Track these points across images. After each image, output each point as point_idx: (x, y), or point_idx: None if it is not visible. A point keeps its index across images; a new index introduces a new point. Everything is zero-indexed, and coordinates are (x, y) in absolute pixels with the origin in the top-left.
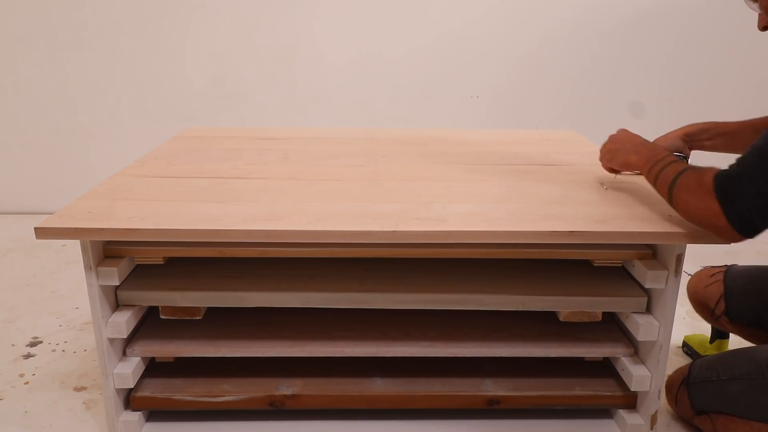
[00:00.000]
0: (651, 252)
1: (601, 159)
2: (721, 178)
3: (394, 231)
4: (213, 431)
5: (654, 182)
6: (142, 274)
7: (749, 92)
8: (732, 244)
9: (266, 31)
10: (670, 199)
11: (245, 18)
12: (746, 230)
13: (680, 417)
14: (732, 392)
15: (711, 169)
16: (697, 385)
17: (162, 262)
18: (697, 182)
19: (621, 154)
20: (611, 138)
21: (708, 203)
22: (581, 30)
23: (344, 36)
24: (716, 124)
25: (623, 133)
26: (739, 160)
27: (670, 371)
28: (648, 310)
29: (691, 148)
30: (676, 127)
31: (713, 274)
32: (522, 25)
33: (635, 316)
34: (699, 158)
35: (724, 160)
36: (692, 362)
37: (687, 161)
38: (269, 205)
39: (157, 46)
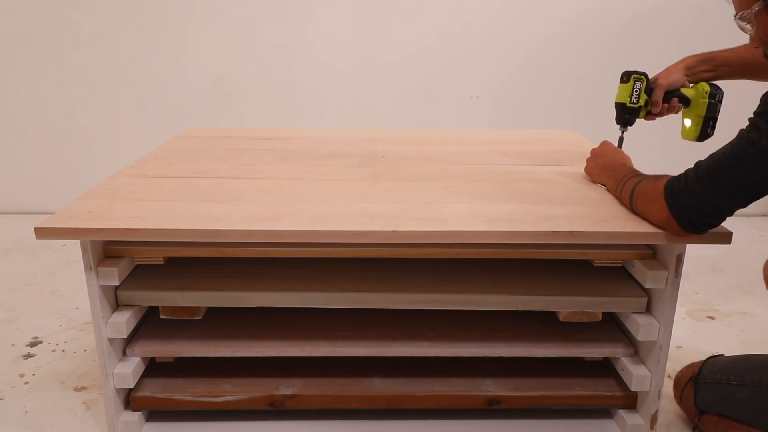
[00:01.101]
0: (651, 252)
1: (585, 171)
2: (671, 182)
3: (394, 231)
4: (213, 431)
5: (620, 200)
6: (142, 274)
7: (749, 92)
8: (722, 244)
9: (266, 31)
10: (631, 205)
11: (245, 18)
12: (689, 227)
13: (681, 414)
14: (738, 397)
15: (664, 176)
16: (706, 385)
17: (162, 262)
18: (651, 188)
19: (596, 174)
20: (592, 153)
21: (658, 203)
22: (581, 30)
23: (344, 36)
24: (714, 55)
25: (601, 148)
26: (695, 164)
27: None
28: (648, 310)
29: (692, 81)
30: (676, 128)
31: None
32: (522, 25)
33: (635, 316)
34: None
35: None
36: (705, 360)
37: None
38: (269, 205)
39: (157, 46)
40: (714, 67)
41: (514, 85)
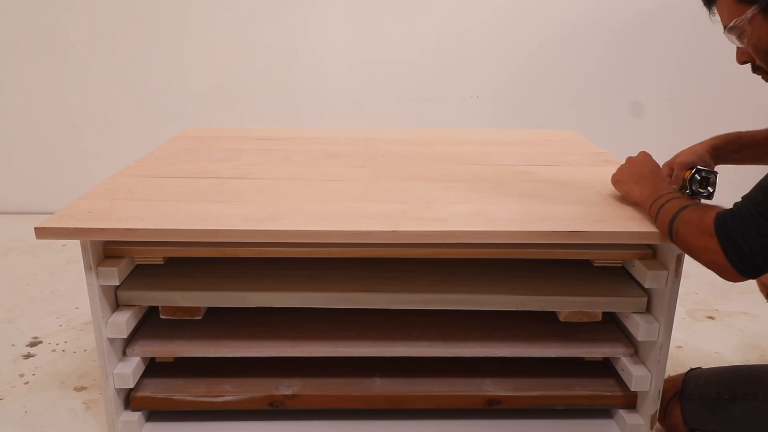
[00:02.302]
0: (651, 252)
1: (612, 179)
2: (723, 217)
3: (394, 231)
4: (213, 431)
5: (655, 217)
6: (142, 274)
7: (749, 92)
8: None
9: (266, 32)
10: (671, 233)
11: (245, 18)
12: (747, 271)
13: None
14: (734, 413)
15: (714, 207)
16: (694, 401)
17: (162, 262)
18: (699, 219)
19: (626, 182)
20: (628, 160)
21: (707, 241)
22: (582, 30)
23: (344, 36)
24: (741, 135)
25: (639, 157)
26: (743, 198)
27: (678, 369)
28: (648, 310)
29: (717, 162)
30: (676, 128)
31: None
32: (522, 25)
33: (635, 316)
34: (727, 171)
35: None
36: (686, 374)
37: (715, 176)
38: (269, 205)
39: (157, 46)
40: (741, 147)
41: (515, 85)
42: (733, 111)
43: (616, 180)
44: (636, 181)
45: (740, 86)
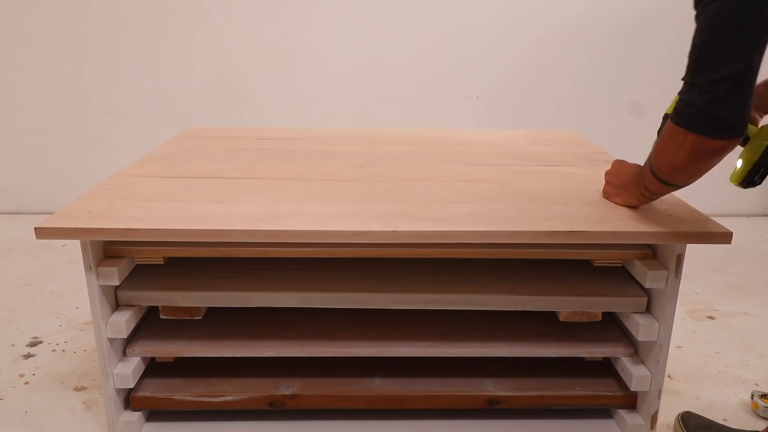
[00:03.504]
0: (651, 252)
1: (604, 195)
2: (672, 114)
3: (394, 231)
4: (213, 431)
5: (648, 195)
6: (142, 274)
7: None
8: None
9: (266, 32)
10: (662, 179)
11: (245, 18)
12: (723, 130)
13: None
14: None
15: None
16: None
17: (162, 262)
18: (661, 142)
19: (615, 195)
20: (605, 176)
21: (679, 140)
22: (581, 30)
23: (344, 36)
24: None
25: (612, 169)
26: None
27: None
28: (648, 310)
29: (766, 112)
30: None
31: None
32: (522, 25)
33: (635, 316)
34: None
35: None
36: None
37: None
38: (269, 205)
39: (157, 46)
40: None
41: (515, 85)
42: None
43: (608, 198)
44: (621, 191)
45: None
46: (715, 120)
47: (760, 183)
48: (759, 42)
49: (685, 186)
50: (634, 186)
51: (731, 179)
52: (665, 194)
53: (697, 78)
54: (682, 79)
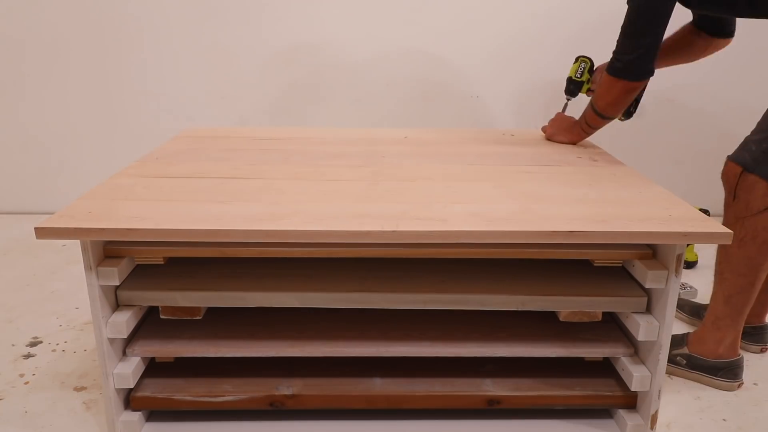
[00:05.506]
0: (651, 252)
1: (546, 137)
2: (610, 68)
3: (394, 231)
4: (213, 431)
5: (588, 129)
6: (142, 274)
7: (749, 91)
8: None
9: (266, 31)
10: (598, 111)
11: (245, 18)
12: (643, 75)
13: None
14: None
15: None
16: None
17: (162, 262)
18: (601, 88)
19: (557, 134)
20: (550, 123)
21: (614, 84)
22: (582, 30)
23: (344, 36)
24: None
25: (556, 117)
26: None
27: None
28: (648, 310)
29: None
30: (676, 128)
31: None
32: (522, 24)
33: (635, 316)
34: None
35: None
36: (739, 152)
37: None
38: (269, 205)
39: (157, 46)
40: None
41: (515, 85)
42: (734, 110)
43: (550, 137)
44: (563, 131)
45: (740, 86)
46: (638, 69)
47: (635, 112)
48: (665, 21)
49: (615, 118)
50: (578, 125)
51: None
52: (600, 127)
53: (626, 45)
54: (615, 48)
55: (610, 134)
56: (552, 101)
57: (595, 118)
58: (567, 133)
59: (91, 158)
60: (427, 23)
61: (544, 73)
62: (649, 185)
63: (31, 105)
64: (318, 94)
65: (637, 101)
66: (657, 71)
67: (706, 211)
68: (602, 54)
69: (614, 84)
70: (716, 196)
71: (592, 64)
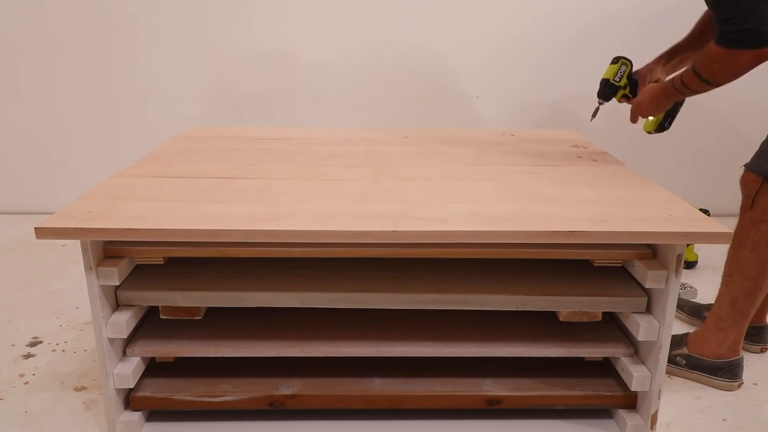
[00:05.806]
0: (651, 252)
1: (637, 110)
2: (722, 39)
3: (394, 231)
4: (213, 431)
5: (681, 89)
6: (142, 274)
7: (749, 90)
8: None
9: (266, 31)
10: (700, 76)
11: (245, 18)
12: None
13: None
14: None
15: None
16: None
17: (162, 262)
18: (705, 61)
19: (649, 101)
20: (642, 93)
21: (732, 58)
22: (582, 30)
23: (344, 36)
24: (674, 46)
25: (644, 90)
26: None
27: None
28: (648, 310)
29: (670, 74)
30: (676, 128)
31: None
32: (523, 24)
33: (635, 316)
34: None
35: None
36: (757, 161)
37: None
38: (269, 205)
39: (157, 46)
40: (679, 55)
41: (515, 85)
42: (733, 110)
43: (645, 108)
44: (656, 98)
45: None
46: (763, 34)
47: (669, 128)
48: None
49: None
50: (667, 85)
51: (645, 128)
52: (699, 92)
53: (736, 12)
54: (717, 21)
55: (610, 134)
56: (552, 101)
57: (695, 80)
58: (654, 99)
59: (91, 158)
60: (428, 23)
61: (544, 73)
62: (649, 185)
63: (32, 105)
64: (318, 93)
65: (673, 117)
66: None
67: (706, 211)
68: (602, 54)
69: (734, 56)
70: (716, 196)
71: (632, 68)
